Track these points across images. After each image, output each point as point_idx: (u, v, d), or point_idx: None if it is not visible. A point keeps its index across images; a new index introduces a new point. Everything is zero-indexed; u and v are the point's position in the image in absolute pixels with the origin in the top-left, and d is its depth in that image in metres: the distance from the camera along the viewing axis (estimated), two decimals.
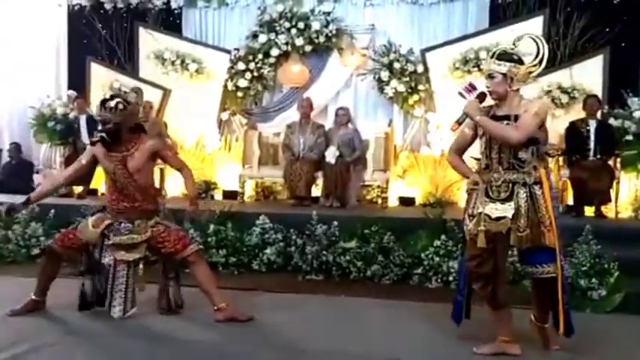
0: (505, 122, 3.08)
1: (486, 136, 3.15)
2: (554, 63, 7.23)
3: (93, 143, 3.69)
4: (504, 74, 3.05)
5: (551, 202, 3.05)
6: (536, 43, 3.10)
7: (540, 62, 3.10)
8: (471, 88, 3.25)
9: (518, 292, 4.62)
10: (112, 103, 3.58)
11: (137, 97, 3.84)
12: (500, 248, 3.12)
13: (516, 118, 3.06)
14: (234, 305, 3.71)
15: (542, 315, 3.26)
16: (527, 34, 3.13)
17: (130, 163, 3.64)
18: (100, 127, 3.71)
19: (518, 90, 3.12)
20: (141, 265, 3.75)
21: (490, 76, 3.10)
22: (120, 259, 3.63)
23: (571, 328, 3.13)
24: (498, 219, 3.06)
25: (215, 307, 3.67)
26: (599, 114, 6.55)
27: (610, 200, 6.17)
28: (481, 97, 3.17)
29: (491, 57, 3.11)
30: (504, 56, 3.08)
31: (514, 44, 3.11)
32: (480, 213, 3.11)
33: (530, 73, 3.11)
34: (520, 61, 3.09)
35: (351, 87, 7.84)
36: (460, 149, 3.35)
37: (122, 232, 3.63)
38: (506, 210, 3.05)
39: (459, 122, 3.18)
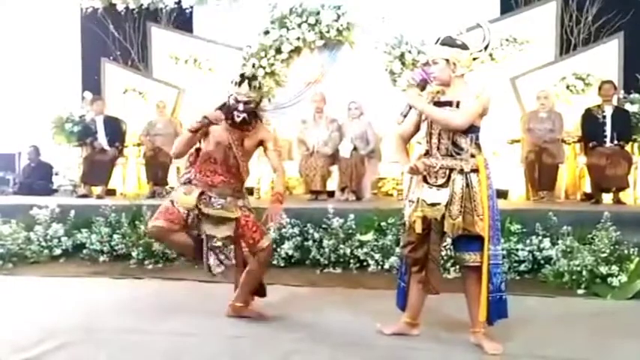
0: (447, 108, 3.03)
1: (428, 121, 3.11)
2: (569, 49, 7.19)
3: (233, 124, 3.49)
4: (447, 60, 3.02)
5: (487, 190, 2.98)
6: (483, 30, 3.08)
7: (486, 48, 3.07)
8: (425, 74, 3.11)
9: (535, 282, 4.64)
10: (256, 83, 3.51)
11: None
12: (433, 234, 3.08)
13: (458, 104, 3.01)
14: (251, 307, 3.71)
15: (472, 315, 3.12)
16: (478, 22, 3.11)
17: (246, 143, 3.60)
18: (241, 107, 3.45)
19: (462, 76, 3.07)
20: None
21: (433, 62, 3.07)
22: (208, 234, 3.47)
23: (500, 314, 3.04)
24: (433, 205, 3.01)
25: (232, 302, 3.67)
26: (615, 100, 6.51)
27: (628, 186, 6.13)
28: (422, 84, 3.12)
29: (435, 43, 3.07)
30: (447, 41, 3.04)
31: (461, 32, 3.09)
32: (418, 199, 3.07)
33: (475, 59, 3.07)
34: (464, 47, 3.05)
35: (363, 80, 7.82)
36: (406, 133, 3.28)
37: (214, 206, 3.50)
38: (441, 196, 3.00)
39: (404, 115, 3.14)
